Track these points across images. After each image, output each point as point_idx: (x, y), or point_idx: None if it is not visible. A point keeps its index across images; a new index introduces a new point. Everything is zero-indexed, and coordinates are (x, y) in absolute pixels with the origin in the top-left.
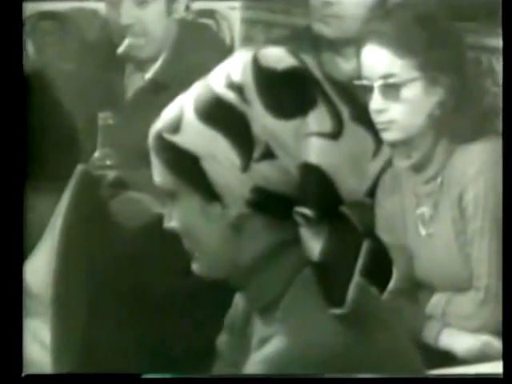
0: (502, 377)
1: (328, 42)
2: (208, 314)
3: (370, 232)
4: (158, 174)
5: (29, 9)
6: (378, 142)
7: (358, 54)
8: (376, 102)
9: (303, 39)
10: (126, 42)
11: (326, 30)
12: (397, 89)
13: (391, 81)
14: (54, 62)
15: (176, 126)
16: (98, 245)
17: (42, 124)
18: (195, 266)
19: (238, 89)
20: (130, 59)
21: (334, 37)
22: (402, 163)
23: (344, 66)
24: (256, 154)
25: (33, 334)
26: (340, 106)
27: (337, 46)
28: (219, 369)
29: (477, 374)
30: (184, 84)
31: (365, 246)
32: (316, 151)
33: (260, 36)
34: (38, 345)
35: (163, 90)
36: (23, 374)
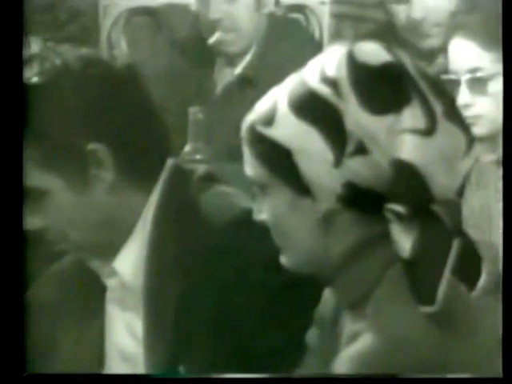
0: (501, 377)
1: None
2: (297, 309)
3: (460, 230)
4: (250, 166)
5: (122, 4)
6: (470, 139)
7: (445, 48)
8: (463, 96)
9: (392, 33)
10: (216, 36)
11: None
12: (484, 83)
13: (479, 74)
14: (146, 56)
15: (270, 119)
16: (188, 238)
17: (131, 118)
18: (284, 260)
19: (332, 83)
20: (220, 54)
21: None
22: (487, 158)
23: (431, 59)
24: (349, 149)
25: (126, 327)
26: (433, 102)
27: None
28: (309, 364)
29: (477, 374)
30: (273, 79)
31: (455, 244)
32: (409, 148)
33: (349, 30)
34: (131, 337)
35: (252, 84)
36: (25, 374)
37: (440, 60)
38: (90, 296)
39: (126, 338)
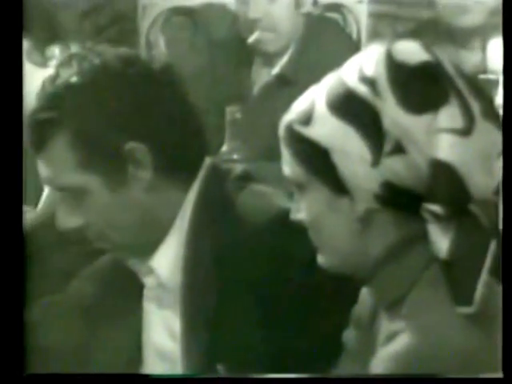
0: (502, 377)
1: (453, 35)
2: (334, 309)
3: (498, 230)
4: (288, 165)
5: (161, 4)
6: None
7: (483, 48)
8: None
9: (430, 32)
10: (255, 35)
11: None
12: None
13: None
14: (184, 56)
15: (307, 118)
16: (225, 237)
17: (169, 117)
18: (321, 260)
19: (370, 83)
20: (258, 53)
21: (459, 30)
22: None
23: (469, 59)
24: (386, 148)
25: (163, 325)
26: (471, 101)
27: (462, 38)
28: (345, 364)
29: (476, 374)
30: (311, 79)
31: (493, 244)
32: (447, 148)
33: (387, 30)
34: (169, 336)
35: (290, 84)
36: (25, 374)
37: (477, 52)
38: (128, 294)
39: (163, 336)
